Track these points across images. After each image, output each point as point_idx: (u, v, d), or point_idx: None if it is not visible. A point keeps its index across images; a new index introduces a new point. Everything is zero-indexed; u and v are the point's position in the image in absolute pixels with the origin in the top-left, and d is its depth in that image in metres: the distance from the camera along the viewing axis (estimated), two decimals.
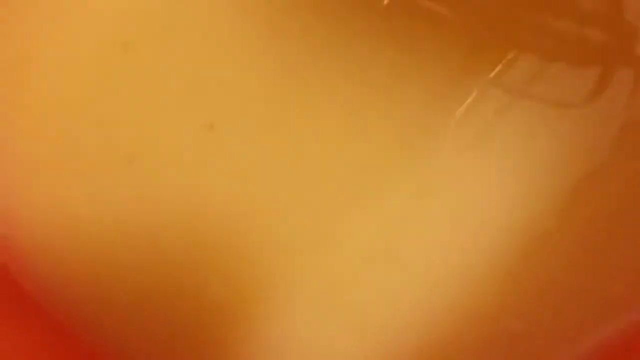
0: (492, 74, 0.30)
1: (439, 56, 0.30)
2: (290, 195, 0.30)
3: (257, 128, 0.30)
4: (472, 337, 0.29)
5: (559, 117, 0.30)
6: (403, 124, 0.30)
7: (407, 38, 0.30)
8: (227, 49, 0.30)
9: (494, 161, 0.30)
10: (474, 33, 0.30)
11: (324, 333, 0.30)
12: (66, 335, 0.30)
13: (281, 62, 0.30)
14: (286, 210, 0.30)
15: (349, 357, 0.30)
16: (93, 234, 0.30)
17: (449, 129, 0.30)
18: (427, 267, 0.29)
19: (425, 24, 0.30)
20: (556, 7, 0.30)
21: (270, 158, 0.30)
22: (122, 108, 0.30)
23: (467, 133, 0.30)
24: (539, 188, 0.29)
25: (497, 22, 0.30)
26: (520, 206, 0.29)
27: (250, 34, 0.30)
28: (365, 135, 0.30)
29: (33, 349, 0.29)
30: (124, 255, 0.30)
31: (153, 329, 0.30)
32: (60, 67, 0.31)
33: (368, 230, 0.30)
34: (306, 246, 0.30)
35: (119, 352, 0.30)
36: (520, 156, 0.30)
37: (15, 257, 0.30)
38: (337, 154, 0.30)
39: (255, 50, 0.30)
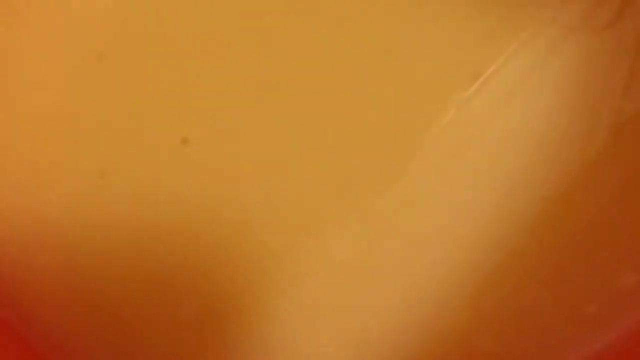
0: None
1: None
2: (269, 206, 0.30)
3: (232, 142, 0.30)
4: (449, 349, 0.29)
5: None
6: (382, 136, 0.30)
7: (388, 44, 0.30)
8: (203, 63, 0.30)
9: (469, 174, 0.30)
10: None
11: (314, 337, 0.30)
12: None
13: (257, 75, 0.30)
14: (265, 219, 0.30)
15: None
16: (64, 247, 0.30)
17: (430, 139, 0.30)
18: (410, 273, 0.29)
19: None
20: None
21: (245, 173, 0.30)
22: (95, 120, 0.30)
23: (447, 144, 0.30)
24: (514, 203, 0.29)
25: None
26: (496, 221, 0.29)
27: (226, 47, 0.30)
28: (343, 145, 0.30)
29: None
30: (96, 265, 0.30)
31: (145, 334, 0.30)
32: (34, 78, 0.30)
33: (349, 239, 0.30)
34: (293, 251, 0.29)
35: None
36: (497, 169, 0.29)
37: None
38: (318, 164, 0.30)
39: (231, 64, 0.30)
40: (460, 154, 0.29)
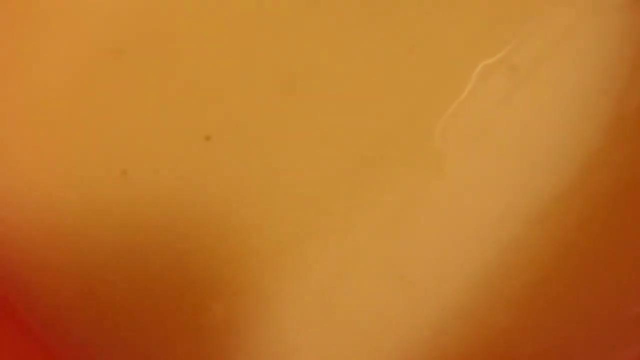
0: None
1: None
2: (284, 203, 0.29)
3: (254, 139, 0.29)
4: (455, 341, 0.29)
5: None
6: (385, 133, 0.29)
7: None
8: (223, 58, 0.30)
9: (479, 168, 0.29)
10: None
11: (313, 336, 0.29)
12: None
13: (278, 71, 0.29)
14: (279, 217, 0.29)
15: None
16: (85, 245, 0.29)
17: (438, 132, 0.29)
18: (414, 271, 0.29)
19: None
20: None
21: (265, 169, 0.29)
22: (113, 117, 0.30)
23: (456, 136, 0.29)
24: (526, 198, 0.29)
25: None
26: (510, 219, 0.29)
27: (247, 43, 0.30)
28: (352, 141, 0.29)
29: None
30: (115, 262, 0.29)
31: (144, 332, 0.29)
32: (51, 74, 0.30)
33: (355, 235, 0.29)
34: (295, 249, 0.29)
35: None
36: (508, 160, 0.29)
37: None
38: (332, 162, 0.29)
39: (252, 60, 0.30)
40: (470, 145, 0.29)
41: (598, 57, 0.29)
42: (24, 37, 0.30)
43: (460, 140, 0.29)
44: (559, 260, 0.29)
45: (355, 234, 0.29)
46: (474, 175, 0.29)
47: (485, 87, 0.29)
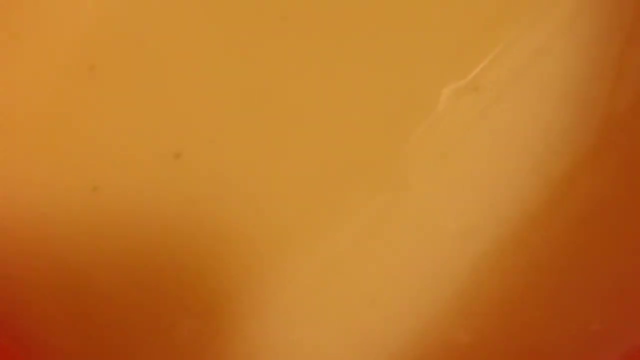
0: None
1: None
2: (252, 221, 0.29)
3: (224, 157, 0.29)
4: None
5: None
6: (373, 135, 0.30)
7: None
8: (194, 75, 0.30)
9: (465, 170, 0.29)
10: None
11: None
12: None
13: (250, 88, 0.30)
14: (258, 227, 0.29)
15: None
16: (56, 260, 0.29)
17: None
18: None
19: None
20: None
21: (233, 189, 0.29)
22: (85, 133, 0.30)
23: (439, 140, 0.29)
24: (508, 200, 0.29)
25: None
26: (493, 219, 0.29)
27: (217, 59, 0.30)
28: (333, 146, 0.30)
29: None
30: (85, 279, 0.29)
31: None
32: (23, 90, 0.30)
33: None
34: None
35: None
36: (492, 164, 0.29)
37: None
38: (299, 184, 0.30)
39: (222, 76, 0.30)
40: (454, 150, 0.29)
41: (579, 66, 0.30)
42: None
43: (427, 160, 0.29)
44: (530, 277, 0.29)
45: (323, 254, 0.29)
46: (442, 194, 0.29)
47: (455, 106, 0.29)
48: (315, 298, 0.29)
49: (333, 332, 0.29)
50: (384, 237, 0.29)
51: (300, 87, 0.30)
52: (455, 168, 0.29)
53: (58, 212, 0.29)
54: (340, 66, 0.30)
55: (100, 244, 0.29)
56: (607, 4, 0.29)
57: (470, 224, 0.29)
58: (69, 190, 0.29)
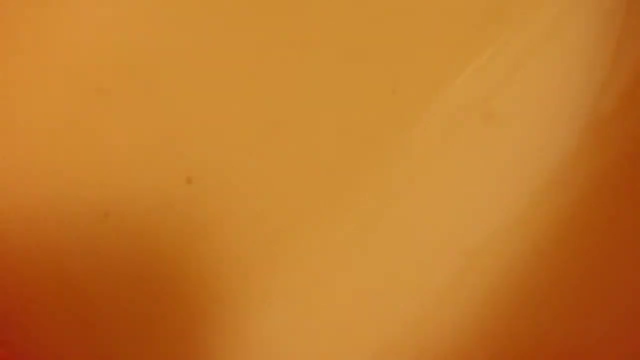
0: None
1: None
2: (267, 245, 0.29)
3: (236, 182, 0.29)
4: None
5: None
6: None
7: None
8: (205, 99, 0.30)
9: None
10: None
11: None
12: None
13: (260, 113, 0.30)
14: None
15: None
16: (68, 284, 0.29)
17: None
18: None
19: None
20: None
21: (249, 215, 0.29)
22: (95, 157, 0.29)
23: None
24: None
25: None
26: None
27: (229, 83, 0.30)
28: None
29: None
30: (98, 303, 0.29)
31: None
32: (32, 112, 0.30)
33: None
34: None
35: None
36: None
37: None
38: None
39: (234, 100, 0.30)
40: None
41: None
42: (6, 77, 0.30)
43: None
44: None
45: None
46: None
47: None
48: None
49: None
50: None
51: (312, 113, 0.30)
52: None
53: (68, 240, 0.29)
54: (350, 92, 0.30)
55: (111, 267, 0.29)
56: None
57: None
58: (79, 216, 0.29)
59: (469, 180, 0.30)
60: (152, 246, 0.29)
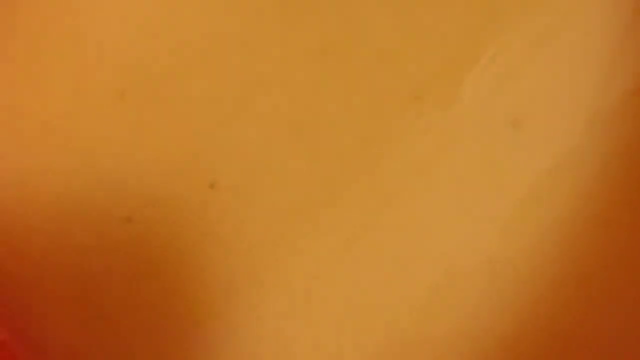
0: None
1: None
2: (286, 252, 0.30)
3: (259, 187, 0.29)
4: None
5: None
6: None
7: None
8: (227, 102, 0.30)
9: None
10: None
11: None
12: None
13: (281, 116, 0.30)
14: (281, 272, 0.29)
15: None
16: (88, 290, 0.29)
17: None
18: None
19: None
20: None
21: (271, 219, 0.29)
22: (117, 161, 0.29)
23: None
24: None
25: None
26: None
27: (250, 85, 0.30)
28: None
29: None
30: (119, 309, 0.29)
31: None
32: (54, 117, 0.30)
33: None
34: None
35: None
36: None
37: None
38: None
39: (256, 103, 0.30)
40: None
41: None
42: (27, 79, 0.30)
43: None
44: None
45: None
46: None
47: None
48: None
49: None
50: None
51: (332, 116, 0.30)
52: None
53: (91, 242, 0.29)
54: (370, 99, 0.30)
55: (132, 271, 0.29)
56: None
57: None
58: (101, 221, 0.29)
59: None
60: (173, 251, 0.29)
